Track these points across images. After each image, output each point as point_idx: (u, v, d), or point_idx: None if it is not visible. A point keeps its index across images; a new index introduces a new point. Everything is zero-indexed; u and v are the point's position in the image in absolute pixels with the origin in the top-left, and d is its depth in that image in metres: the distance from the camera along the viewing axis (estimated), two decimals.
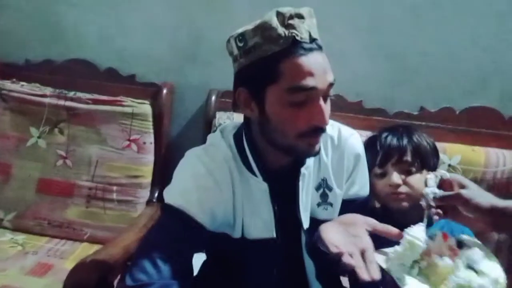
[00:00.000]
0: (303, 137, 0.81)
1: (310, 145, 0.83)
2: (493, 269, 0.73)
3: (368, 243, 0.74)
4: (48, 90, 1.51)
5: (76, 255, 1.39)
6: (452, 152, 1.33)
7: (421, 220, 0.79)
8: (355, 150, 0.96)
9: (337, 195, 0.95)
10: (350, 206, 0.94)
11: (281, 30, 0.78)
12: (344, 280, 1.05)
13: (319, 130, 0.82)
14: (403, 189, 1.05)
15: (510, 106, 1.42)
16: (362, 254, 0.72)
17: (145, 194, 1.49)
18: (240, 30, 0.82)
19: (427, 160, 1.10)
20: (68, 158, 1.49)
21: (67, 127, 1.49)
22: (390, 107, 1.45)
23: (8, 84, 1.52)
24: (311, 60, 0.78)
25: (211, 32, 1.50)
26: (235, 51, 0.83)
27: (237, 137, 0.92)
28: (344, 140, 0.95)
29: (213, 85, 1.51)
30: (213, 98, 1.47)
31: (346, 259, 0.70)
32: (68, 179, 1.48)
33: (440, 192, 0.79)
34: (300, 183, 0.90)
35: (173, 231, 0.84)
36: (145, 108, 1.49)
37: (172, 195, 0.87)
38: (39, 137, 1.50)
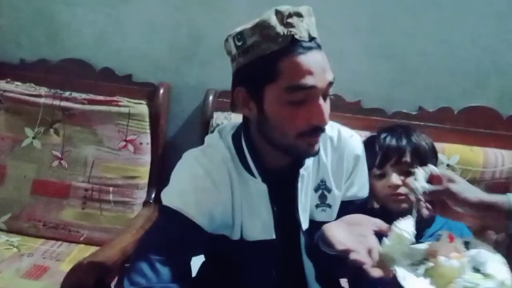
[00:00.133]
0: (302, 136, 0.81)
1: (309, 145, 0.82)
2: (500, 271, 0.73)
3: (374, 242, 0.75)
4: (43, 90, 1.50)
5: (72, 257, 1.37)
6: (450, 152, 1.33)
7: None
8: (354, 151, 0.95)
9: (336, 197, 0.94)
10: (348, 207, 0.94)
11: (279, 29, 0.77)
12: (343, 282, 1.05)
13: (319, 129, 0.81)
14: (402, 190, 1.04)
15: (509, 106, 1.41)
16: (368, 253, 0.72)
17: (141, 195, 1.48)
18: (238, 29, 0.81)
19: (426, 160, 1.08)
20: (64, 159, 1.47)
21: (62, 128, 1.48)
22: (388, 107, 1.44)
23: (2, 84, 1.51)
24: (310, 59, 0.77)
25: (208, 31, 1.49)
26: (234, 50, 0.82)
27: (236, 138, 0.91)
28: (344, 141, 0.94)
29: (211, 85, 1.49)
30: (211, 98, 1.46)
31: (354, 255, 0.70)
32: (64, 180, 1.46)
33: (429, 187, 0.79)
34: (299, 184, 0.89)
35: (171, 233, 0.83)
36: (142, 108, 1.48)
37: (170, 197, 0.87)
38: (34, 138, 1.48)
